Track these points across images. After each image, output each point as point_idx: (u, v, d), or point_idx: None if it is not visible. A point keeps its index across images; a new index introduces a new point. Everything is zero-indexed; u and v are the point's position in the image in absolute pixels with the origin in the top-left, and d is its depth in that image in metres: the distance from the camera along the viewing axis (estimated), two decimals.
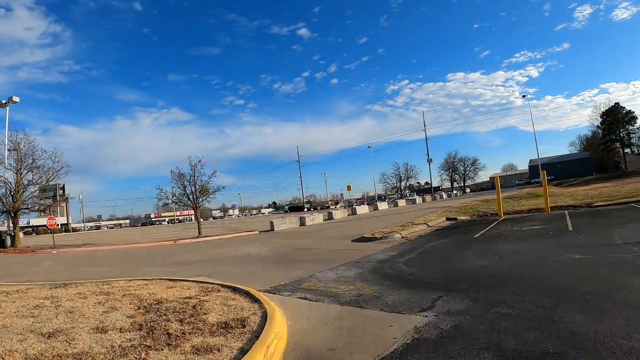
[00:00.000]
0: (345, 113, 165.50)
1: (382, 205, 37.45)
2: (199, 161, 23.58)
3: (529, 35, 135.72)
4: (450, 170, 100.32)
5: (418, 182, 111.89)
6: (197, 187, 23.61)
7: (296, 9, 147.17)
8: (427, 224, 15.68)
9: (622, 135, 63.52)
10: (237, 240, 19.31)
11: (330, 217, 29.89)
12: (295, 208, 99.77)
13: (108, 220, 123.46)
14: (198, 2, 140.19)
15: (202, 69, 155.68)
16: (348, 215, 32.28)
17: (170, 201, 24.00)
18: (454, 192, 71.33)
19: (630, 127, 62.94)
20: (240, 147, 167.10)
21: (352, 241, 13.31)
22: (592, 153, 71.06)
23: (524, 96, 47.42)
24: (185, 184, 23.24)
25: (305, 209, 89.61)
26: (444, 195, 52.76)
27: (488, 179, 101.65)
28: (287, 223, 25.22)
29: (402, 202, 40.40)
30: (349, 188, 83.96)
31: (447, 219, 17.99)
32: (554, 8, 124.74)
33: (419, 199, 43.46)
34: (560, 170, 73.51)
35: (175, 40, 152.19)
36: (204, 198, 24.08)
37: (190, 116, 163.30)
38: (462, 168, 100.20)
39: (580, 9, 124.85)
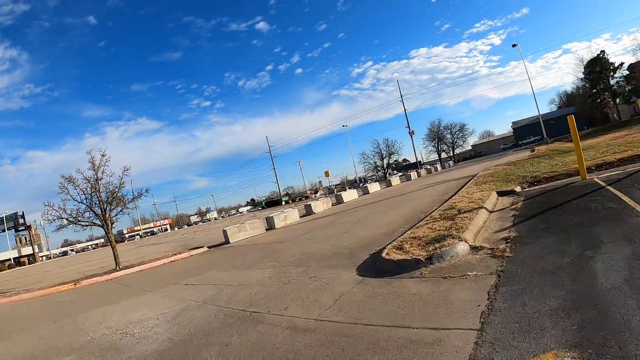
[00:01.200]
0: (313, 101, 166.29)
1: (374, 187, 30.35)
2: (103, 155, 15.50)
3: (487, 4, 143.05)
4: (436, 139, 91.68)
5: (404, 159, 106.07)
6: (105, 195, 15.55)
7: (252, 3, 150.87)
8: (484, 207, 8.49)
9: (611, 84, 58.89)
10: (157, 275, 11.60)
11: (309, 211, 22.43)
12: (272, 202, 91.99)
13: (87, 240, 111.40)
14: (153, 8, 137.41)
15: (165, 75, 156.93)
16: (332, 205, 24.95)
17: (67, 221, 15.75)
18: (450, 162, 65.71)
19: (619, 75, 58.37)
20: (212, 149, 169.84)
21: (361, 273, 5.98)
22: (579, 107, 66.11)
23: (514, 45, 40.35)
24: (81, 194, 15.13)
25: (284, 202, 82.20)
26: (438, 168, 46.26)
27: (470, 148, 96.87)
28: (248, 229, 17.61)
29: (395, 180, 33.48)
30: (326, 174, 76.92)
31: (500, 193, 10.92)
32: None
33: (413, 174, 36.57)
34: (548, 128, 68.82)
35: (135, 49, 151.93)
36: (118, 211, 16.01)
37: (159, 124, 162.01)
38: (449, 136, 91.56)
39: None
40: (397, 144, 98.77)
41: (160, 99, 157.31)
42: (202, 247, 16.78)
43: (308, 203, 22.97)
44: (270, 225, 18.89)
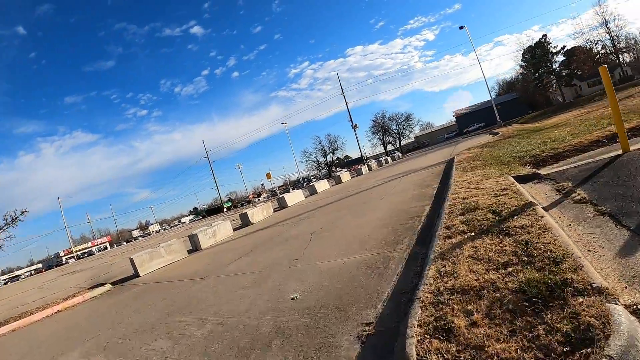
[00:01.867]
0: (252, 104, 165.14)
1: (322, 186, 26.29)
2: None
3: (421, 0, 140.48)
4: (382, 131, 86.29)
5: (346, 156, 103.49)
6: None
7: (186, 7, 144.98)
8: (533, 203, 4.68)
9: (554, 67, 60.21)
10: None
11: (245, 221, 17.84)
12: (214, 210, 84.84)
13: (28, 266, 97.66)
14: (84, 16, 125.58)
15: (99, 85, 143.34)
16: (275, 210, 20.59)
17: None
18: (397, 154, 63.36)
19: (561, 59, 60.00)
20: (152, 159, 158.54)
21: None
22: (520, 93, 67.37)
23: (461, 27, 38.58)
24: None
25: (226, 209, 76.05)
26: (389, 160, 43.41)
27: (413, 140, 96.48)
28: (164, 254, 12.67)
29: (345, 176, 29.76)
30: (268, 176, 71.33)
31: (520, 179, 7.30)
32: None
33: (364, 168, 33.02)
34: (490, 115, 69.85)
35: (67, 59, 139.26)
36: None
37: (95, 137, 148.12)
38: (395, 127, 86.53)
39: None
40: (340, 139, 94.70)
41: (95, 110, 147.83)
42: (105, 284, 11.74)
43: (244, 212, 18.35)
44: (194, 245, 14.13)
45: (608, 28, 49.27)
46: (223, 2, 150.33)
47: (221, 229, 15.21)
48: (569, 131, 12.85)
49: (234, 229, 16.23)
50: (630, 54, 56.91)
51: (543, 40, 61.07)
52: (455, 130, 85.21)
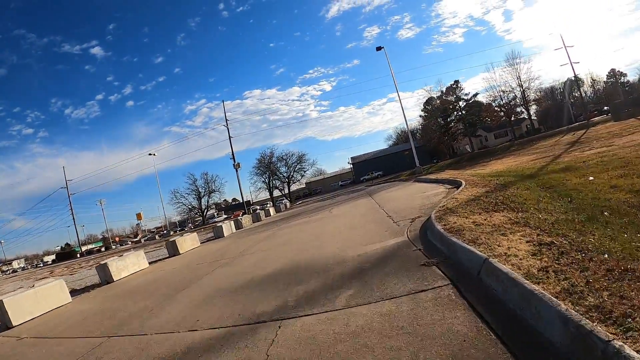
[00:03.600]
0: (144, 137, 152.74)
1: (187, 242, 17.64)
2: None
3: (321, 53, 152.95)
4: (268, 173, 71.62)
5: (234, 199, 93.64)
6: None
7: (90, 25, 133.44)
8: None
9: (463, 115, 60.63)
10: None
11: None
12: (64, 255, 66.01)
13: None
14: None
15: None
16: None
17: None
18: (285, 201, 55.87)
19: (466, 109, 60.78)
20: (34, 183, 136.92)
21: None
22: (424, 142, 66.86)
23: (379, 49, 34.76)
24: None
25: (79, 255, 59.57)
26: (271, 211, 34.31)
27: (304, 186, 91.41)
28: None
29: (228, 229, 21.67)
30: (138, 216, 60.05)
31: None
32: (345, 28, 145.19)
33: (226, 228, 22.33)
34: (390, 164, 69.13)
35: None
36: None
37: None
38: (284, 168, 72.92)
39: (369, 29, 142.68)
40: (219, 180, 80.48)
41: None
42: None
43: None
44: None
45: (520, 80, 50.73)
46: (129, 27, 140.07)
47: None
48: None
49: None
50: (536, 106, 59.81)
51: (455, 86, 61.48)
52: (350, 178, 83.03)
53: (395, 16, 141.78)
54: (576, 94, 60.76)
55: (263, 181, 72.22)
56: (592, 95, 78.65)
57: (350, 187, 58.31)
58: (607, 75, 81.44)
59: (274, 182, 72.12)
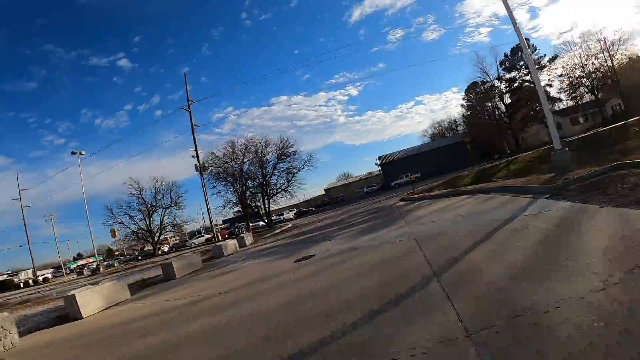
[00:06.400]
0: (173, 144, 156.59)
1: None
2: None
3: (346, 57, 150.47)
4: (230, 180, 38.47)
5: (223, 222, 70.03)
6: None
7: (116, 38, 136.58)
8: None
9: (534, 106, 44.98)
10: None
11: None
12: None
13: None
14: (9, 32, 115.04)
15: (17, 106, 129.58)
16: None
17: None
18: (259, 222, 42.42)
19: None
20: (68, 191, 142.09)
21: None
22: (475, 135, 48.98)
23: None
24: None
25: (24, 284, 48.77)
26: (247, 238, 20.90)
27: (323, 192, 77.93)
28: None
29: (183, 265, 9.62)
30: (112, 233, 48.62)
31: None
32: (368, 32, 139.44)
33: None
34: (429, 163, 52.87)
35: None
36: None
37: (6, 160, 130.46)
38: (260, 171, 39.62)
39: (393, 32, 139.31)
40: (177, 190, 47.31)
41: (10, 133, 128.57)
42: None
43: None
44: None
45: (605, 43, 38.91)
46: (153, 39, 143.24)
47: None
48: None
49: None
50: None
51: (519, 53, 46.25)
52: (378, 182, 66.69)
53: (419, 17, 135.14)
54: None
55: (234, 191, 39.06)
56: None
57: (375, 197, 40.65)
58: None
59: (247, 194, 39.64)
